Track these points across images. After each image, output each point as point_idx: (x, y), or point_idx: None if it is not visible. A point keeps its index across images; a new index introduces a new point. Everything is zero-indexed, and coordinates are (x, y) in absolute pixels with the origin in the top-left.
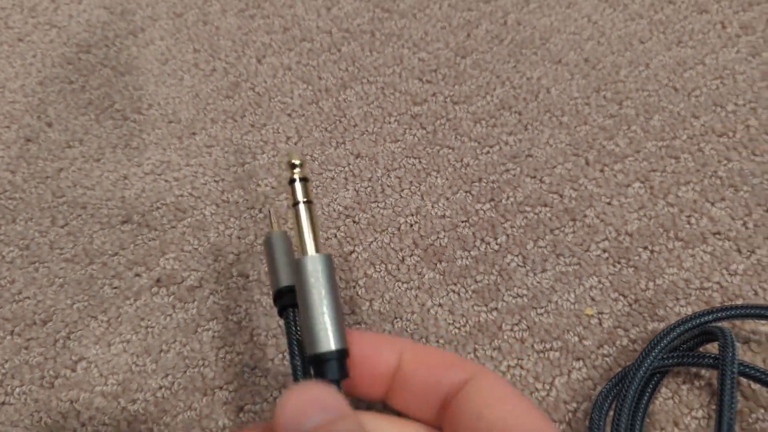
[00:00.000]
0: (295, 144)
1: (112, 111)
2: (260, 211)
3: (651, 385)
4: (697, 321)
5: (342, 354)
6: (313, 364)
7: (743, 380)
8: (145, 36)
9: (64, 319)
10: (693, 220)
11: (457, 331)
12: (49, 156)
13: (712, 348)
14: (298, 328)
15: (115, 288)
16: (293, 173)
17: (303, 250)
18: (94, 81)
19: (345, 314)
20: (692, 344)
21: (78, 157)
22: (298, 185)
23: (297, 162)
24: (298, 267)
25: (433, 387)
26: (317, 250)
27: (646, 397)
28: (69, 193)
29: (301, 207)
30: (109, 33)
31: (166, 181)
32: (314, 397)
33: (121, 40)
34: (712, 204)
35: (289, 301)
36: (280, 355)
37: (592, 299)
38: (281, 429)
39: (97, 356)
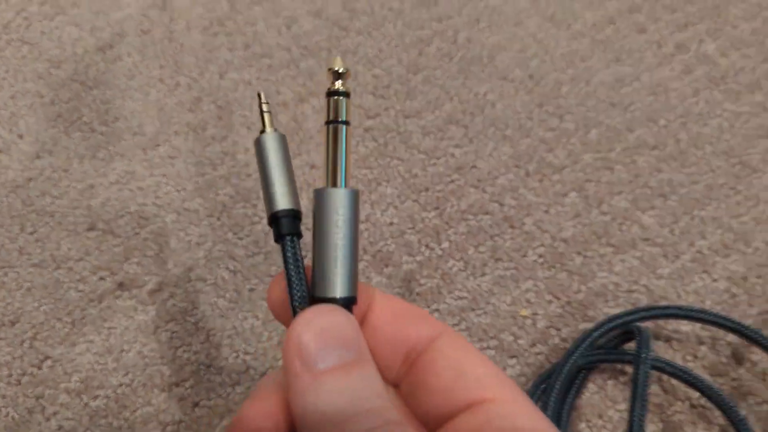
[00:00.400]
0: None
1: (80, 123)
2: (218, 219)
3: (577, 381)
4: (620, 321)
5: (350, 302)
6: None
7: (664, 376)
8: (113, 52)
9: (30, 321)
10: (624, 227)
11: None
12: (20, 166)
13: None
14: (299, 259)
15: (80, 291)
16: (334, 84)
17: (331, 180)
18: (63, 95)
19: None
20: (616, 342)
21: (47, 167)
22: (339, 101)
23: (341, 70)
24: (320, 199)
25: (399, 339)
26: (346, 184)
27: (572, 392)
28: (38, 202)
29: (342, 128)
30: (79, 49)
31: (131, 190)
32: (335, 325)
33: (90, 56)
34: (643, 212)
35: (288, 228)
36: (234, 354)
37: (528, 301)
38: (294, 356)
39: (61, 355)
